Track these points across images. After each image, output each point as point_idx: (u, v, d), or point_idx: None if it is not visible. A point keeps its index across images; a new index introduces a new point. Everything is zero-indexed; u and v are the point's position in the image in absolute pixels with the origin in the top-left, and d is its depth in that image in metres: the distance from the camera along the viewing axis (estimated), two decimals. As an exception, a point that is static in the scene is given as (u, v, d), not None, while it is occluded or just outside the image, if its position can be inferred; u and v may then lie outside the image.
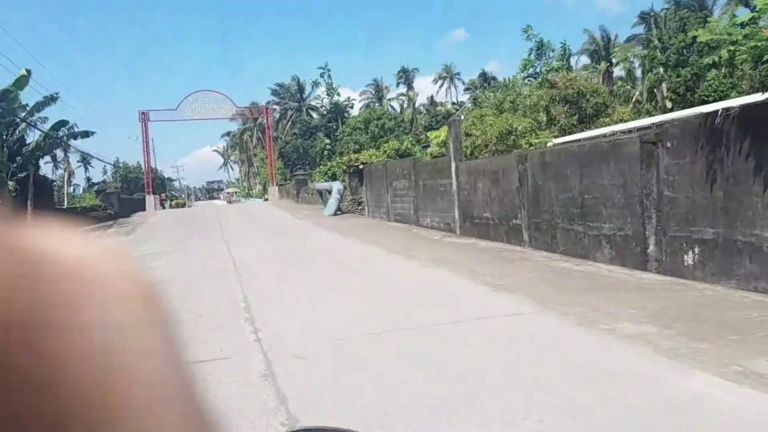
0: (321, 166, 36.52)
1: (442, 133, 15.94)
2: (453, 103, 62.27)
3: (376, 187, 19.44)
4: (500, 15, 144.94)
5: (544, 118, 17.30)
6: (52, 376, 0.22)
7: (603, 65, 47.02)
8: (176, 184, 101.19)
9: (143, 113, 33.09)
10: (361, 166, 20.79)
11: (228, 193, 57.28)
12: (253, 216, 21.16)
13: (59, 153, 53.80)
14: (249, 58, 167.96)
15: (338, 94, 45.45)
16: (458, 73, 74.17)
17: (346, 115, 45.61)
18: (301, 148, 41.69)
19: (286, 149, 42.70)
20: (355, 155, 21.63)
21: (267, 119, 37.27)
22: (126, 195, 37.64)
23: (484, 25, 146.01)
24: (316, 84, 44.96)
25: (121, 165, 53.12)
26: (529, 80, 40.14)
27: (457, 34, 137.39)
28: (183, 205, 56.77)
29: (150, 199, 33.23)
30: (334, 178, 31.76)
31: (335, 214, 19.01)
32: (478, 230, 12.01)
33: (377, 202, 19.56)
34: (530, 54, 36.55)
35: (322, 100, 44.89)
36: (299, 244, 11.10)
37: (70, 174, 66.96)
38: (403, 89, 66.22)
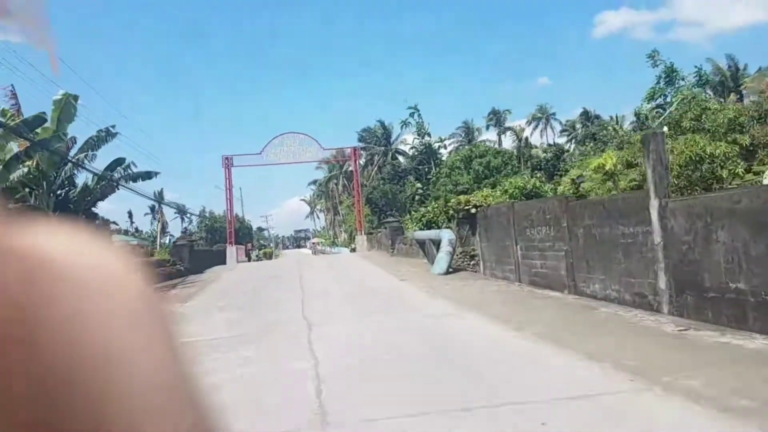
0: (413, 212, 32.53)
1: (609, 159, 11.30)
2: (549, 145, 56.64)
3: (498, 236, 14.93)
4: (584, 62, 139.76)
5: (746, 141, 12.15)
6: (50, 374, 0.22)
7: (732, 98, 40.16)
8: (265, 233, 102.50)
9: (226, 158, 31.11)
10: (473, 210, 16.41)
11: (313, 243, 54.67)
12: (343, 274, 17.23)
13: (143, 203, 54.39)
14: (334, 107, 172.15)
15: (429, 135, 42.01)
16: (554, 113, 68.45)
17: (438, 156, 41.87)
18: (389, 193, 38.20)
19: (374, 195, 39.41)
20: (465, 197, 17.33)
21: (355, 162, 34.28)
22: (205, 247, 35.73)
23: (567, 73, 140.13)
24: (405, 124, 41.80)
25: (207, 214, 52.52)
26: (658, 111, 34.43)
27: (541, 81, 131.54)
28: (270, 255, 54.97)
29: (231, 251, 30.69)
30: (429, 225, 27.45)
31: (447, 272, 14.61)
32: (714, 310, 7.11)
33: (499, 257, 14.98)
34: (658, 82, 31.26)
35: (413, 141, 41.58)
36: (429, 341, 6.29)
37: (164, 225, 68.44)
38: (494, 132, 61.71)
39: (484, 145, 34.38)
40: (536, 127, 67.99)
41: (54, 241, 0.25)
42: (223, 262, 28.62)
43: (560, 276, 11.51)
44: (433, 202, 28.81)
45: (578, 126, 59.35)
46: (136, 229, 73.36)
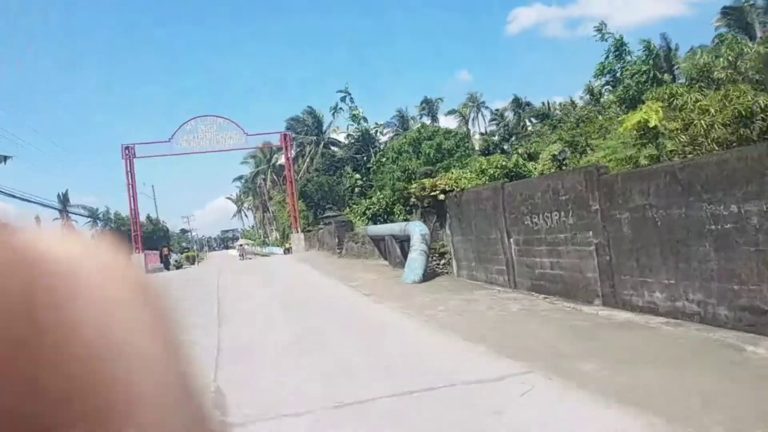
0: (354, 205, 28.89)
1: (652, 114, 8.10)
2: (481, 134, 55.24)
3: (479, 228, 11.64)
4: (502, 54, 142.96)
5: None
6: (46, 373, 0.21)
7: (667, 78, 39.70)
8: (188, 235, 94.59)
9: (126, 148, 25.68)
10: (441, 197, 13.04)
11: (240, 245, 49.09)
12: (282, 287, 13.14)
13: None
14: (257, 99, 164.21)
15: (365, 120, 38.42)
16: (483, 102, 67.41)
17: (376, 143, 38.40)
18: (326, 185, 34.27)
19: (308, 187, 35.30)
20: (430, 180, 13.93)
21: (286, 149, 29.97)
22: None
23: (485, 65, 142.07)
24: (337, 110, 37.95)
25: (111, 216, 45.80)
26: (607, 88, 32.79)
27: (461, 75, 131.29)
28: (194, 259, 49.26)
29: (138, 259, 25.60)
30: (376, 218, 23.94)
31: (423, 279, 11.05)
32: None
33: (481, 254, 11.69)
34: (607, 57, 29.64)
35: (347, 128, 37.85)
36: None
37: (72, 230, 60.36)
38: (427, 120, 59.37)
39: (433, 127, 31.33)
40: (468, 115, 66.42)
41: (54, 239, 0.24)
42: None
43: (586, 279, 8.33)
44: (378, 192, 25.33)
45: (508, 114, 58.19)
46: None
